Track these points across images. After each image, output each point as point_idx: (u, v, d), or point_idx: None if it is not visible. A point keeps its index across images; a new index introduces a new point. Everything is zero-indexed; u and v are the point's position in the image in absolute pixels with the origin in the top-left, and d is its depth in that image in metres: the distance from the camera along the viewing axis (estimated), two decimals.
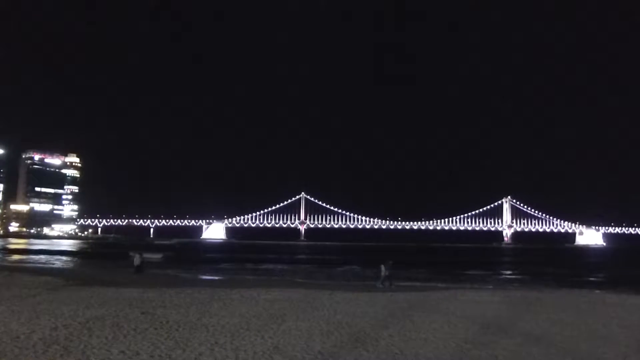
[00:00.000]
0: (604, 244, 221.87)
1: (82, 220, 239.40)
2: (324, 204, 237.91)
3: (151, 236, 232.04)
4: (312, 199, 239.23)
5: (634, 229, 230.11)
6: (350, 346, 10.76)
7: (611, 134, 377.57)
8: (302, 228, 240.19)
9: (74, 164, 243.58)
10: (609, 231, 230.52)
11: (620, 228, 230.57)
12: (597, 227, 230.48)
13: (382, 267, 28.75)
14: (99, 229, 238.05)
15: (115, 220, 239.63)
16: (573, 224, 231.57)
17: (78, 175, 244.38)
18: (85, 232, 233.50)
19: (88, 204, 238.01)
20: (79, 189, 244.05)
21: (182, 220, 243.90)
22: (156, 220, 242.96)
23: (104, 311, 14.56)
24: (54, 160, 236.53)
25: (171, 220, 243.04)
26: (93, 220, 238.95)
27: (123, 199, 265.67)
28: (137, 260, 33.55)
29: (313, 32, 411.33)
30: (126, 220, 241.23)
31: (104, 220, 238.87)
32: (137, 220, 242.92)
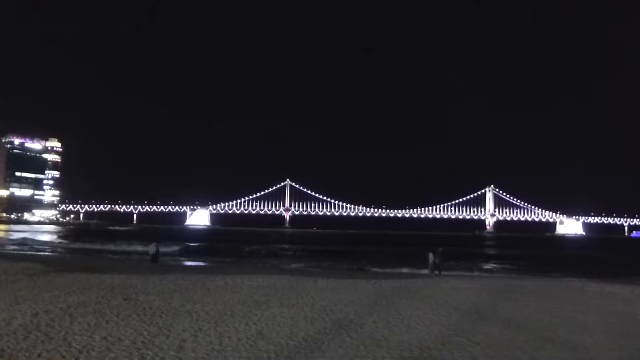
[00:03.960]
0: (584, 233, 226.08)
1: (63, 205, 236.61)
2: (308, 191, 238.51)
3: (134, 222, 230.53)
4: (297, 186, 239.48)
5: (612, 218, 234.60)
6: (334, 332, 10.81)
7: (593, 126, 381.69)
8: (287, 215, 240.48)
9: (55, 148, 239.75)
10: (588, 221, 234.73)
11: (599, 218, 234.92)
12: (577, 217, 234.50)
13: (431, 255, 28.52)
14: (81, 215, 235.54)
15: (98, 206, 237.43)
16: (554, 214, 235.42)
17: (59, 160, 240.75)
18: (67, 218, 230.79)
19: (70, 190, 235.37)
20: (60, 174, 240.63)
21: (165, 207, 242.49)
22: (139, 206, 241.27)
23: (85, 297, 14.41)
24: (35, 145, 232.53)
25: (155, 207, 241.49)
26: (75, 205, 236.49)
27: (106, 184, 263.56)
28: (152, 249, 33.44)
29: (292, 22, 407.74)
30: (109, 206, 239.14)
31: (86, 206, 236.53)
32: (120, 206, 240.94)
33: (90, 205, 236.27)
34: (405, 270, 33.01)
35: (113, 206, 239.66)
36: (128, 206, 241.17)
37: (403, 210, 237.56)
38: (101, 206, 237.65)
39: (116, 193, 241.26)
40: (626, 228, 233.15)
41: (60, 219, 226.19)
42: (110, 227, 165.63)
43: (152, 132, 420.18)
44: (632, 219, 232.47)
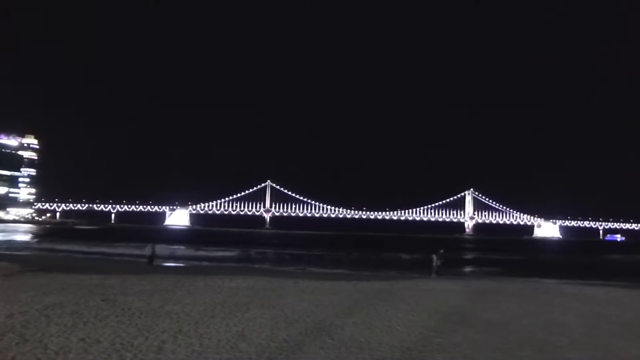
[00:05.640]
0: (561, 236, 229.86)
1: (39, 204, 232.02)
2: (289, 192, 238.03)
3: (112, 222, 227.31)
4: (278, 187, 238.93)
5: (588, 222, 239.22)
6: (315, 334, 10.79)
7: (570, 131, 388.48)
8: (267, 216, 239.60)
9: (31, 145, 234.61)
10: (565, 224, 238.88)
11: (575, 221, 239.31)
12: (554, 220, 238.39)
13: (434, 257, 27.99)
14: (58, 214, 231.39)
15: (75, 204, 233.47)
16: (532, 217, 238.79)
17: (36, 158, 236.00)
18: (43, 217, 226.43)
19: (46, 188, 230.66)
20: (36, 172, 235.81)
21: (144, 206, 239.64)
22: (118, 206, 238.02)
23: (63, 298, 14.14)
24: (10, 142, 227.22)
25: (133, 206, 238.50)
26: (51, 204, 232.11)
27: (83, 183, 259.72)
28: (148, 250, 32.87)
29: (268, 25, 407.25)
30: (86, 205, 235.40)
31: (63, 205, 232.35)
32: (98, 205, 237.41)
33: (67, 204, 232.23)
34: (390, 272, 33.12)
35: (90, 205, 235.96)
36: (106, 205, 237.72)
37: (383, 213, 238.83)
38: (78, 205, 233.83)
39: (94, 192, 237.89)
40: (601, 231, 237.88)
41: (36, 218, 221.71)
42: (78, 227, 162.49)
43: (132, 131, 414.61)
44: (606, 223, 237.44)
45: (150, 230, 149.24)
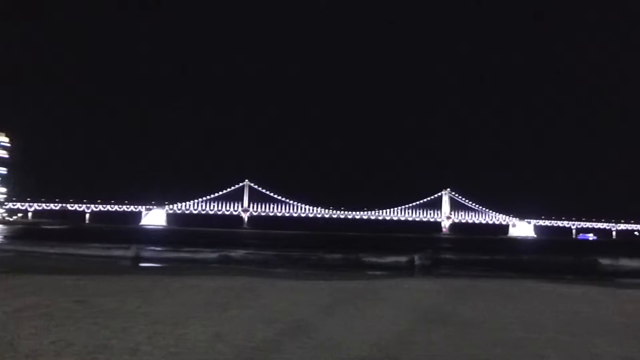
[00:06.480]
0: (535, 235, 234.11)
1: (10, 204, 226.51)
2: (267, 192, 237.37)
3: (86, 222, 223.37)
4: (256, 186, 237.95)
5: (561, 221, 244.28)
6: (292, 334, 10.73)
7: (545, 132, 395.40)
8: (245, 216, 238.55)
9: (2, 143, 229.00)
10: (539, 224, 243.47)
11: (549, 221, 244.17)
12: (528, 220, 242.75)
13: (416, 257, 26.92)
14: (30, 214, 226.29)
15: (48, 204, 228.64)
16: (507, 217, 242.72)
17: (7, 156, 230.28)
18: (14, 217, 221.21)
19: (18, 187, 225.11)
20: (7, 171, 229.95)
21: (120, 206, 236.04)
22: (92, 205, 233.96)
23: (35, 300, 13.77)
24: None
25: (108, 206, 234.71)
26: (23, 204, 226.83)
27: (56, 182, 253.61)
28: (132, 251, 32.05)
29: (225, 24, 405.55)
30: (60, 205, 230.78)
31: (35, 205, 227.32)
32: (72, 205, 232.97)
33: (40, 204, 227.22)
34: (370, 271, 33.13)
35: (64, 205, 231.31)
36: (80, 205, 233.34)
37: (361, 212, 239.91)
38: (51, 205, 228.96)
39: (67, 191, 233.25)
40: (574, 231, 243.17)
41: (7, 218, 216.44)
42: (46, 227, 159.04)
43: (108, 129, 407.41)
44: (579, 222, 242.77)
45: (127, 230, 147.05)
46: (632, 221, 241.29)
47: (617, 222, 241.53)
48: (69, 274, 20.75)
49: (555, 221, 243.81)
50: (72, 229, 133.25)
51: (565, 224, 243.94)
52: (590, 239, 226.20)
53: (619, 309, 16.01)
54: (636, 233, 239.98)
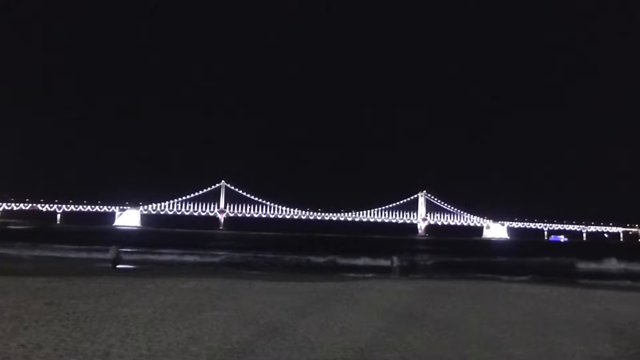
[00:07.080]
0: (508, 237, 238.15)
1: None
2: (244, 193, 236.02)
3: (58, 222, 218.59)
4: (232, 187, 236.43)
5: (533, 223, 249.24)
6: (268, 336, 10.73)
7: (521, 135, 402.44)
8: (221, 217, 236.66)
9: None
10: (512, 225, 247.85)
11: (522, 223, 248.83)
12: (502, 222, 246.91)
13: (394, 258, 27.08)
14: None
15: (18, 204, 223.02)
16: (481, 218, 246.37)
17: None
18: None
19: None
20: None
21: (93, 206, 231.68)
22: (64, 206, 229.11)
23: (2, 302, 13.46)
24: None
25: (81, 206, 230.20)
26: None
27: (27, 181, 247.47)
28: (112, 253, 31.35)
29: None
30: (30, 205, 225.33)
31: (4, 204, 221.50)
32: (43, 205, 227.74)
33: (9, 204, 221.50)
34: (346, 273, 33.24)
35: (34, 205, 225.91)
36: (51, 205, 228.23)
37: (338, 214, 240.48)
38: (21, 205, 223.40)
39: (38, 191, 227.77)
40: (546, 232, 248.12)
41: None
42: (12, 227, 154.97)
43: (81, 129, 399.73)
44: (550, 224, 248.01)
45: (100, 231, 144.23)
46: (601, 223, 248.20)
47: (588, 224, 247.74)
48: (39, 276, 20.33)
49: (528, 223, 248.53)
50: (40, 229, 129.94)
51: (538, 226, 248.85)
52: (562, 240, 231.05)
53: (586, 309, 16.49)
54: (606, 235, 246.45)
